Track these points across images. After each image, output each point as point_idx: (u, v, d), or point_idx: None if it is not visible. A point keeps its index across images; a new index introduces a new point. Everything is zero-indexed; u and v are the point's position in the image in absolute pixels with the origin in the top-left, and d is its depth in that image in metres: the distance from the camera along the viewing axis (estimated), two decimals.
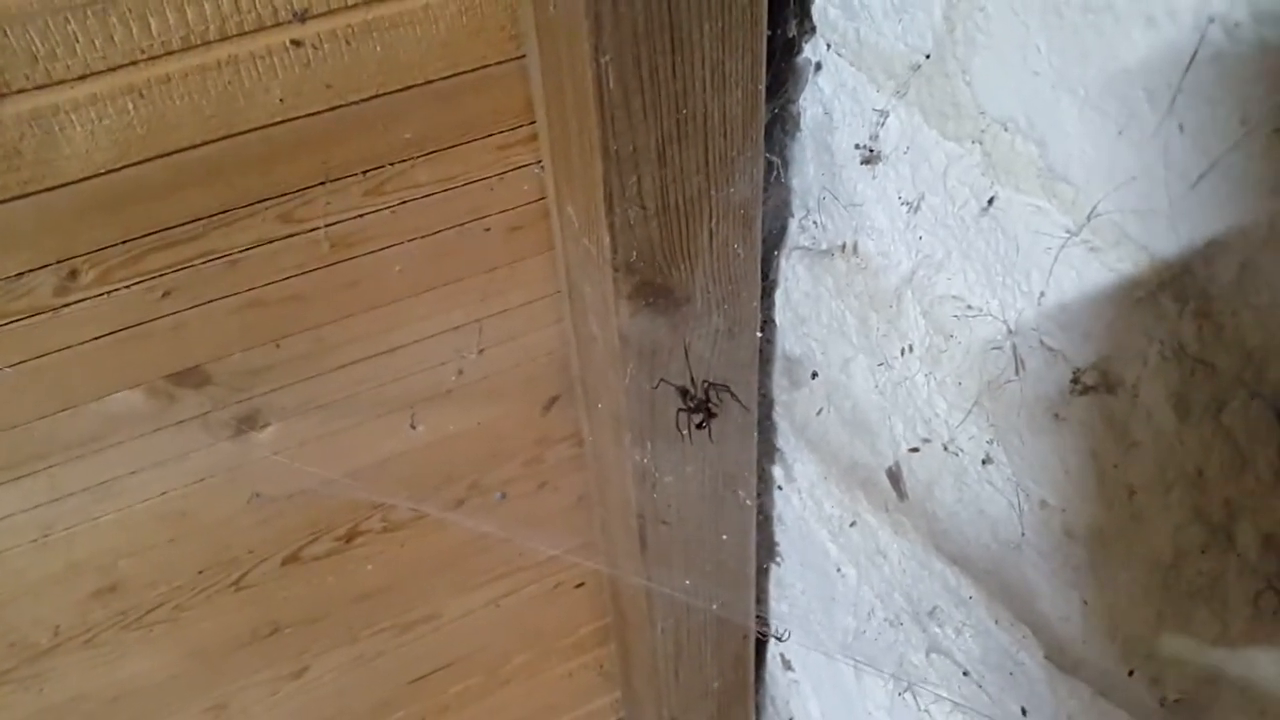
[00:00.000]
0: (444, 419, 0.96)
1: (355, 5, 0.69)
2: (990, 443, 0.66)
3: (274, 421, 0.88)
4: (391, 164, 0.77)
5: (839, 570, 0.98)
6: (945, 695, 0.85)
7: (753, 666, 1.21)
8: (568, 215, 0.80)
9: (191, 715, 1.06)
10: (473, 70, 0.75)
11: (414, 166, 0.78)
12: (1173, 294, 0.50)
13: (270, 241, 0.77)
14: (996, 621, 0.73)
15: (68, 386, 0.77)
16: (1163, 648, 0.57)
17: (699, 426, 0.80)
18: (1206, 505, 0.51)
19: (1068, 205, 0.55)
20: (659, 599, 1.05)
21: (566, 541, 1.15)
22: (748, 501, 0.94)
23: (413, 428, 0.95)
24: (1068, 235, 0.56)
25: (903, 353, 0.73)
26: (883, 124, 0.68)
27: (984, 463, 0.68)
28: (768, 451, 1.04)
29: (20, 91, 0.64)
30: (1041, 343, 0.60)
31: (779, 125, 0.78)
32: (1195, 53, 0.43)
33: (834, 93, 0.73)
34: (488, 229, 0.84)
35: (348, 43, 0.70)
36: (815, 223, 0.81)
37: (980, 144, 0.60)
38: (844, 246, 0.77)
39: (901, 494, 0.80)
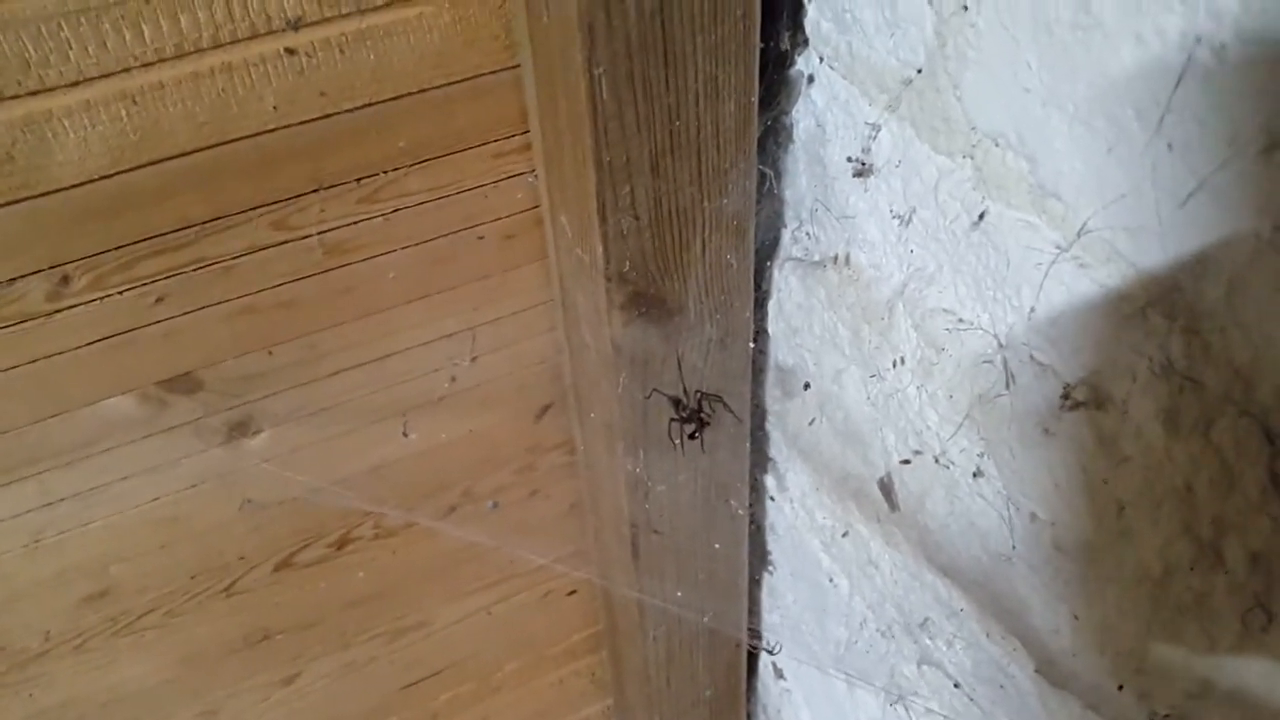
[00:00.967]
0: (436, 426, 0.96)
1: (349, 14, 0.69)
2: (981, 456, 0.66)
3: (266, 428, 0.88)
4: (385, 172, 0.77)
5: (831, 581, 0.98)
6: (936, 709, 0.85)
7: (745, 675, 1.21)
8: (561, 225, 0.80)
9: (182, 719, 1.06)
10: (466, 79, 0.75)
11: (407, 175, 0.78)
12: (1162, 311, 0.51)
13: (263, 249, 0.77)
14: (987, 634, 0.73)
15: (59, 392, 0.77)
16: (1152, 662, 0.57)
17: (691, 436, 0.80)
18: (1195, 522, 0.51)
19: (1058, 221, 0.56)
20: (651, 607, 1.05)
21: (558, 550, 1.15)
22: (740, 511, 0.94)
23: (405, 435, 0.95)
24: (1058, 251, 0.56)
25: (894, 364, 0.73)
26: (875, 137, 0.68)
27: (975, 475, 0.68)
28: (760, 461, 1.04)
29: (13, 97, 0.64)
30: (1032, 357, 0.60)
31: (772, 137, 0.78)
32: (1183, 72, 0.43)
33: (826, 105, 0.73)
34: (481, 237, 0.84)
35: (341, 51, 0.70)
36: (808, 234, 0.81)
37: (971, 159, 0.61)
38: (836, 258, 0.77)
39: (893, 505, 0.80)
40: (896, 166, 0.67)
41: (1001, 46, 0.54)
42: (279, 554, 0.97)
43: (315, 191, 0.76)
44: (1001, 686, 0.74)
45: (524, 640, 1.23)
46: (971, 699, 0.79)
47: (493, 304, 0.90)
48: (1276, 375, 0.45)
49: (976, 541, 0.70)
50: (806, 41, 0.72)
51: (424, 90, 0.74)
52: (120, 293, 0.75)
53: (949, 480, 0.71)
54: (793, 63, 0.74)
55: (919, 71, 0.62)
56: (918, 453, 0.74)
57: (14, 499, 0.81)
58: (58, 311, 0.74)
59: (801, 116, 0.76)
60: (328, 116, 0.73)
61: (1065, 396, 0.58)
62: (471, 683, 1.24)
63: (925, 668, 0.84)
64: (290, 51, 0.69)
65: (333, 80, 0.71)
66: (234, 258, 0.77)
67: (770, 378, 0.94)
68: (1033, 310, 0.59)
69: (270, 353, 0.82)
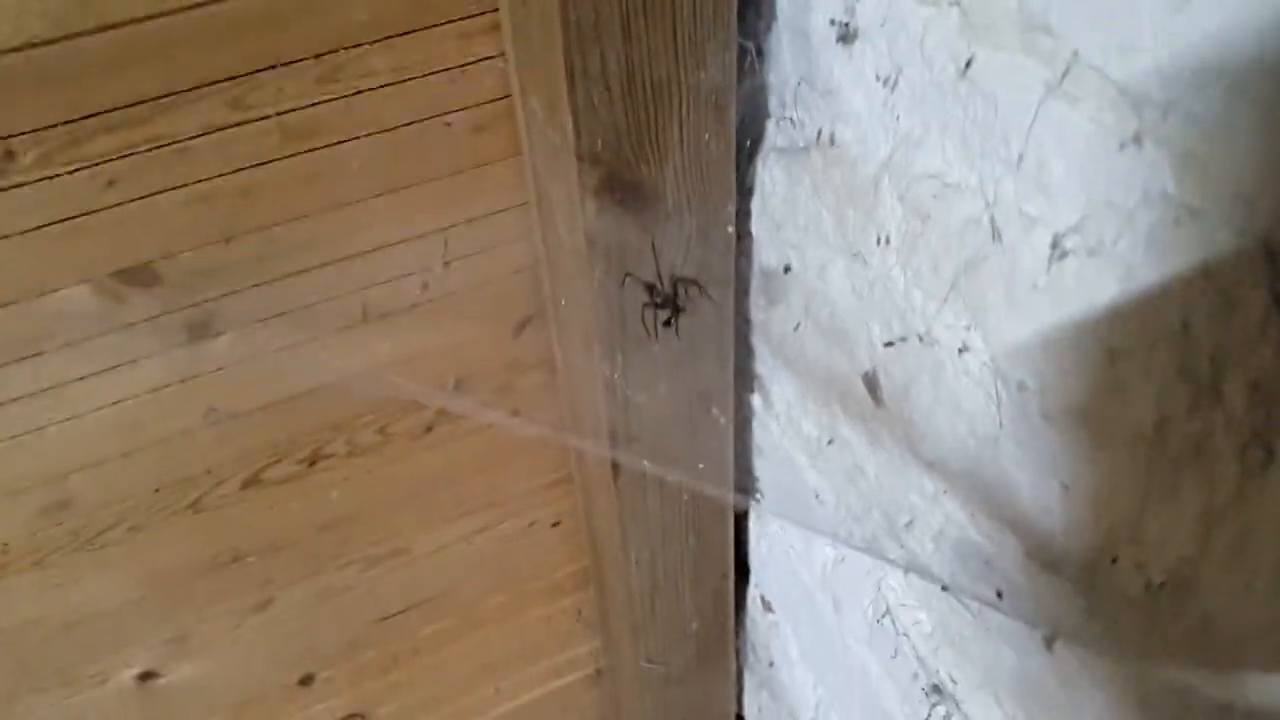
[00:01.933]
0: (409, 337, 0.93)
1: None
2: (968, 328, 0.63)
3: (227, 330, 0.84)
4: (345, 49, 0.74)
5: (817, 497, 0.95)
6: (925, 618, 0.82)
7: (733, 607, 1.18)
8: (532, 108, 0.76)
9: (150, 646, 1.03)
10: None
11: (369, 53, 0.74)
12: (1154, 138, 0.47)
13: (219, 129, 0.74)
14: (975, 526, 0.70)
15: (9, 279, 0.74)
16: (1147, 527, 0.54)
17: (666, 324, 0.77)
18: (1192, 360, 0.48)
19: (1047, 58, 0.52)
20: (634, 532, 1.02)
21: (541, 477, 1.12)
22: (723, 420, 0.91)
23: (375, 345, 0.92)
24: (1046, 90, 0.53)
25: (879, 242, 0.70)
26: None
27: (961, 351, 0.64)
28: (745, 380, 1.01)
29: None
30: (1020, 211, 0.56)
31: (752, 7, 0.75)
32: None
33: None
34: (449, 124, 0.80)
35: None
36: (792, 120, 0.78)
37: (958, 4, 0.57)
38: (820, 137, 0.74)
39: (878, 400, 0.76)
40: (882, 26, 0.64)
41: None
42: (247, 469, 0.94)
43: (273, 68, 0.73)
44: (990, 582, 0.71)
45: (508, 573, 1.20)
46: (960, 600, 0.76)
47: (465, 203, 0.86)
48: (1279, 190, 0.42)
49: (963, 425, 0.67)
50: None
51: None
52: (70, 172, 0.72)
53: (934, 362, 0.68)
54: None
55: None
56: (903, 339, 0.71)
57: None
58: (4, 190, 0.70)
59: None
60: None
61: (1054, 246, 0.55)
62: (453, 617, 1.21)
63: (912, 575, 0.81)
64: None
65: None
66: (189, 138, 0.73)
67: (755, 284, 0.90)
68: (1021, 159, 0.55)
69: (228, 244, 0.79)
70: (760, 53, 0.77)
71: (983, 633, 0.75)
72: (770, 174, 0.82)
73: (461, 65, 0.78)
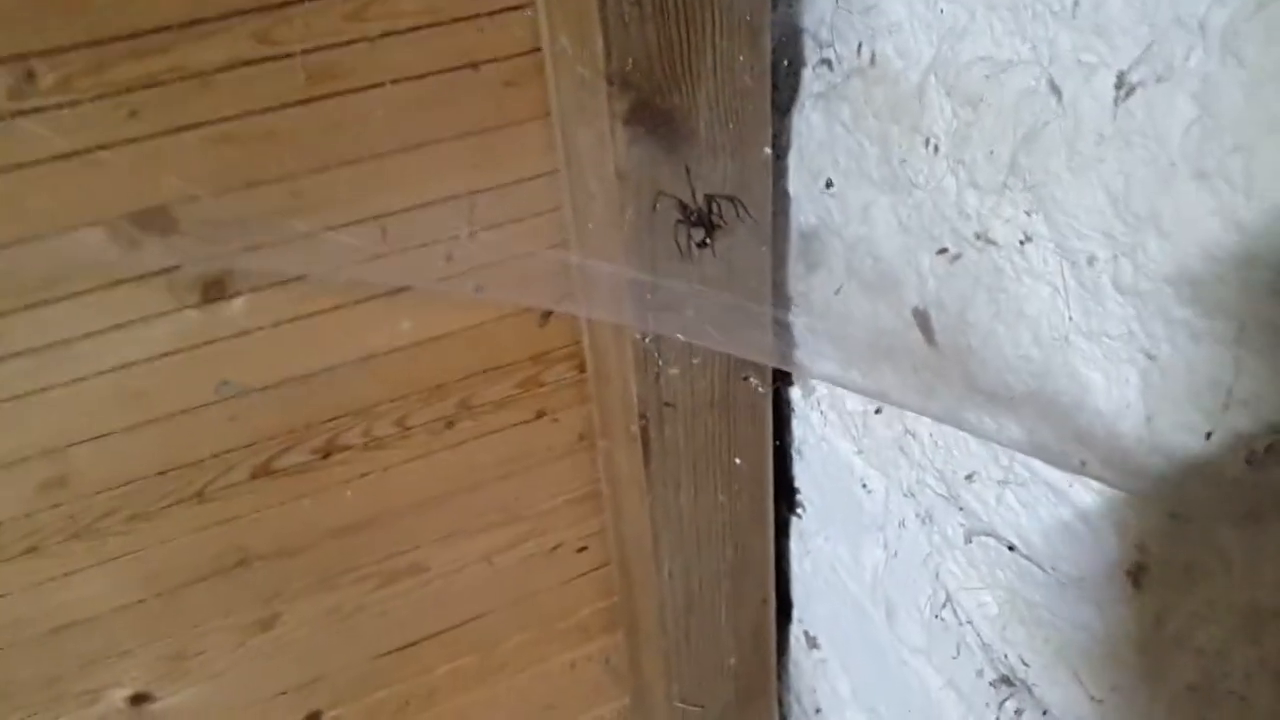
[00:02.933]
0: (432, 315, 0.89)
1: None
2: (1029, 214, 0.58)
3: (244, 291, 0.81)
4: None
5: (864, 486, 0.88)
6: (990, 600, 0.74)
7: (774, 642, 1.09)
8: (561, 46, 0.75)
9: (145, 663, 0.95)
10: None
11: None
12: None
13: (244, 64, 0.72)
14: (1043, 454, 0.63)
15: (20, 214, 0.72)
16: (1242, 389, 0.48)
17: (701, 244, 0.72)
18: None
19: None
20: (665, 538, 0.95)
21: (566, 489, 1.06)
22: (761, 389, 0.85)
23: (398, 322, 0.88)
24: None
25: (928, 148, 0.66)
26: None
27: (1022, 244, 0.59)
28: (784, 374, 0.95)
29: None
30: (1079, 61, 0.52)
31: None
32: None
33: None
34: (477, 72, 0.78)
35: None
36: (829, 60, 0.75)
37: None
38: (860, 58, 0.71)
39: (930, 338, 0.71)
40: None
41: None
42: (258, 455, 0.89)
43: (301, 1, 0.72)
44: (1064, 523, 0.63)
45: (531, 605, 1.12)
46: (1029, 558, 0.68)
47: (493, 165, 0.84)
48: None
49: (1027, 335, 0.61)
50: None
51: None
52: (92, 100, 0.70)
53: (992, 269, 0.63)
54: None
55: None
56: (957, 256, 0.66)
57: None
58: (22, 113, 0.69)
59: None
60: None
61: (1119, 86, 0.50)
62: (472, 655, 1.12)
63: (975, 542, 0.73)
64: None
65: None
66: (214, 71, 0.72)
67: (793, 251, 0.86)
68: (1076, 4, 0.52)
69: (248, 190, 0.76)
70: None
71: (1057, 593, 0.66)
72: (807, 122, 0.79)
73: (490, 13, 0.77)
